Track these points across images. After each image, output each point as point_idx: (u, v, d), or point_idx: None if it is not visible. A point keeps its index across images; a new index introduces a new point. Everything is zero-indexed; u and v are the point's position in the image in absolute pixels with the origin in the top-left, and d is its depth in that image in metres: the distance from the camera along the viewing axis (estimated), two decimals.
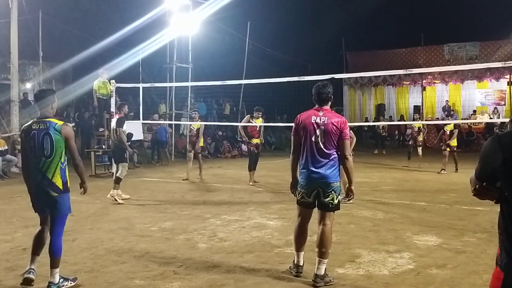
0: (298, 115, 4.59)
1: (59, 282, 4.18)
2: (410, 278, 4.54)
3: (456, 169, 13.23)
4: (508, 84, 22.35)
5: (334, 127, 4.39)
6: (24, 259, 5.11)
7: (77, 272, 4.65)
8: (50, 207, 4.20)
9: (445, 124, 13.62)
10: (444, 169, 13.13)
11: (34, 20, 14.58)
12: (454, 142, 13.41)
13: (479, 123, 21.60)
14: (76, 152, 4.29)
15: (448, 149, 13.23)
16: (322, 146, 4.39)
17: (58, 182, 4.17)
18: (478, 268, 4.80)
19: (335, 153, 4.44)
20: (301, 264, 4.57)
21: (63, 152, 4.20)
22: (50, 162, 4.13)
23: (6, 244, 5.74)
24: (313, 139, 4.40)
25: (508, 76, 22.16)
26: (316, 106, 4.56)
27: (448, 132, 13.31)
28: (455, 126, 13.55)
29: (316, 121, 4.42)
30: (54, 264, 4.16)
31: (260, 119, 11.30)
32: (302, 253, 4.57)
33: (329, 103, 4.59)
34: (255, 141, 11.30)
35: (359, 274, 4.67)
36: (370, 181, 11.46)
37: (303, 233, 4.55)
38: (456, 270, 4.78)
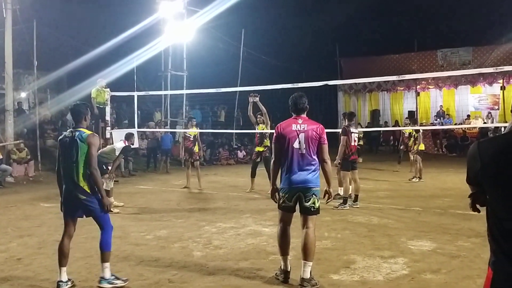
0: (278, 125, 4.77)
1: (110, 278, 4.43)
2: (404, 284, 4.57)
3: (414, 177, 12.77)
4: (501, 89, 22.49)
5: (314, 133, 4.63)
6: (18, 269, 5.11)
7: (71, 281, 4.63)
8: (83, 211, 4.50)
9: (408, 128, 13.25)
10: (420, 176, 12.75)
11: (28, 30, 14.57)
12: (416, 147, 12.80)
13: (473, 127, 21.70)
14: (94, 160, 4.43)
15: (410, 153, 12.86)
16: (304, 152, 4.58)
17: (85, 186, 4.41)
18: (472, 273, 4.82)
19: (315, 158, 4.64)
20: (289, 269, 4.66)
21: (85, 158, 4.43)
22: (77, 166, 4.39)
23: (1, 254, 5.73)
24: (294, 145, 4.59)
25: (501, 81, 22.31)
26: (294, 115, 4.77)
27: (407, 135, 13.02)
28: (417, 131, 12.93)
29: (297, 129, 4.62)
30: (103, 258, 4.46)
31: (261, 125, 10.93)
32: (288, 257, 4.70)
33: (305, 112, 4.80)
34: (257, 149, 11.20)
35: (354, 280, 4.69)
36: (364, 187, 11.46)
37: (286, 236, 4.71)
38: (450, 274, 4.80)
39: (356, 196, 8.98)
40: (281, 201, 4.70)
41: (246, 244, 6.13)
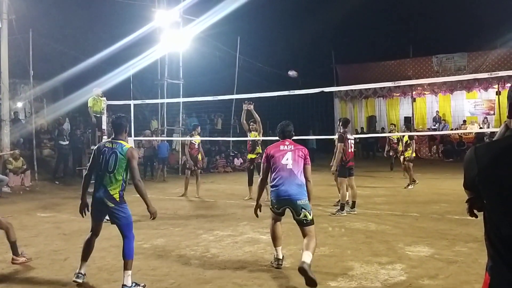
0: (267, 148, 5.42)
1: (132, 285, 4.58)
2: None
3: (408, 184, 12.58)
4: (496, 94, 22.62)
5: (300, 152, 5.24)
6: (15, 280, 5.08)
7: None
8: (110, 217, 4.76)
9: (402, 135, 13.03)
10: (413, 180, 12.65)
11: (24, 39, 14.60)
12: (408, 153, 12.73)
13: (470, 133, 21.78)
14: (137, 172, 4.72)
15: (403, 160, 12.79)
16: (291, 167, 5.13)
17: (116, 195, 4.68)
18: (470, 278, 4.82)
19: (301, 174, 5.16)
20: (281, 257, 5.37)
21: (124, 170, 4.72)
22: (112, 177, 4.67)
23: None
24: (282, 161, 5.16)
25: (496, 86, 22.44)
26: (281, 140, 5.39)
27: (395, 140, 12.81)
28: (410, 137, 12.82)
29: (285, 148, 5.25)
30: (126, 266, 4.63)
31: (253, 132, 10.96)
32: (280, 247, 5.41)
33: (291, 138, 5.42)
34: (249, 156, 11.20)
35: (352, 287, 4.68)
36: (362, 193, 11.46)
37: (277, 230, 5.40)
38: (447, 280, 4.80)
39: (354, 202, 8.99)
40: (271, 207, 5.33)
41: (243, 252, 6.12)
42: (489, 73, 11.15)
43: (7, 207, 10.34)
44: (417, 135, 18.14)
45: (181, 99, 17.60)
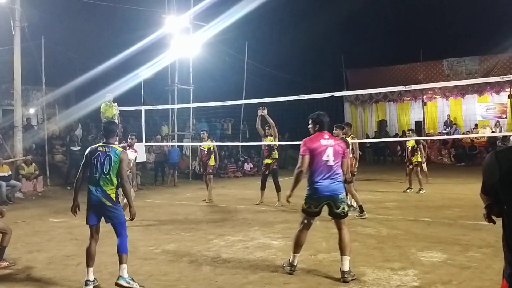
0: (306, 139, 5.28)
1: (127, 277, 4.81)
2: None
3: (420, 189, 12.39)
4: (508, 98, 22.39)
5: (340, 147, 5.26)
6: (28, 285, 5.12)
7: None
8: (106, 217, 4.94)
9: (407, 141, 12.91)
10: (410, 188, 12.63)
11: (36, 46, 14.75)
12: (416, 158, 12.55)
13: (482, 137, 21.59)
14: (125, 174, 4.97)
15: (410, 166, 12.66)
16: (332, 164, 5.14)
17: (113, 195, 4.91)
18: (483, 284, 4.77)
19: (340, 169, 5.24)
20: (295, 264, 5.28)
21: (117, 172, 4.93)
22: (106, 178, 4.89)
23: (10, 270, 5.73)
24: (323, 158, 5.13)
25: (508, 90, 22.22)
26: (319, 132, 5.31)
27: (410, 149, 12.77)
28: (417, 142, 12.67)
29: (326, 143, 5.20)
30: (121, 260, 4.88)
31: (269, 137, 10.91)
32: (298, 255, 5.30)
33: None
34: (265, 161, 11.16)
35: None
36: (373, 198, 11.42)
37: (303, 238, 5.27)
38: (461, 286, 4.76)
39: (361, 207, 8.84)
40: (306, 206, 5.20)
41: (255, 257, 6.10)
42: (501, 76, 11.07)
43: (19, 213, 10.43)
44: (429, 140, 18.03)
45: (191, 105, 17.66)
